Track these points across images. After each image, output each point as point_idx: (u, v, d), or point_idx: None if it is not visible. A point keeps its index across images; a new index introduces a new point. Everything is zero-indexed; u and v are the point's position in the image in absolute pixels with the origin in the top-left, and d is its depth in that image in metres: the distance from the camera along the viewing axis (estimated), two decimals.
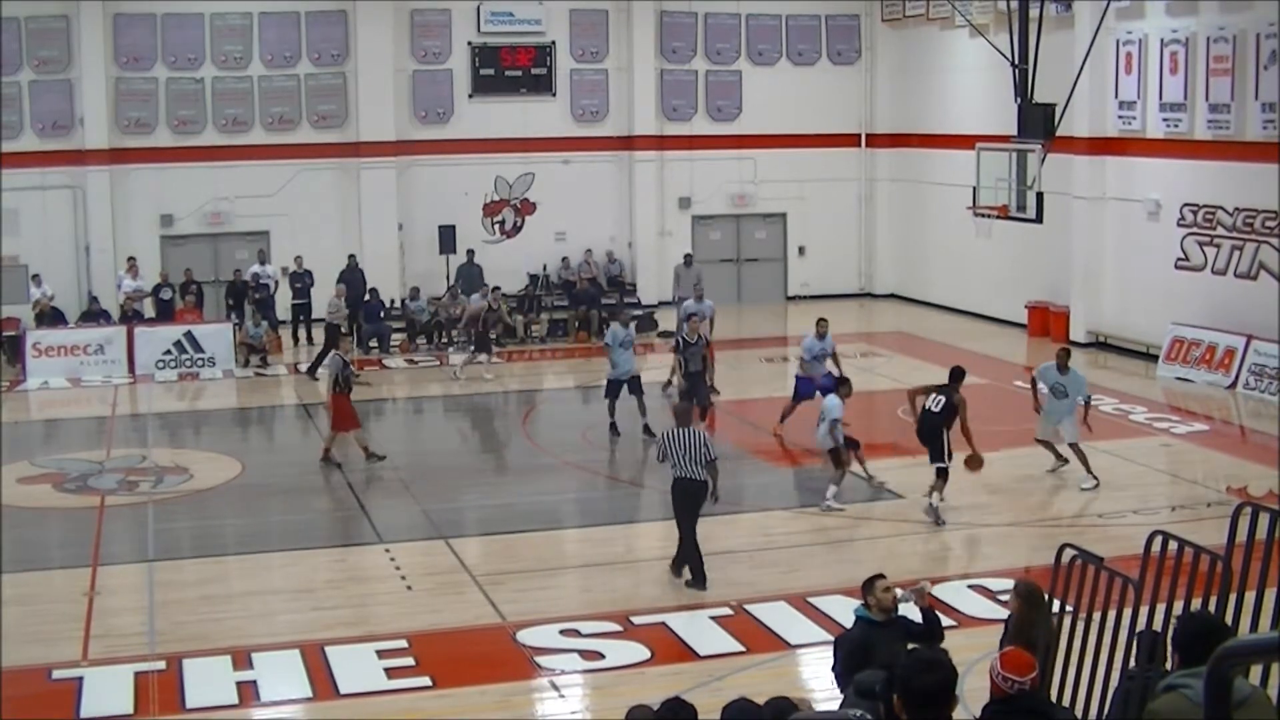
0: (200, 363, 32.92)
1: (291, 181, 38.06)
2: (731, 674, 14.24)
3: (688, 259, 36.66)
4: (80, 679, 14.45)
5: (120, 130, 37.52)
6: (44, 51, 37.21)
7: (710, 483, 17.25)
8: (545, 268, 39.15)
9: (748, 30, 41.43)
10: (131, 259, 36.02)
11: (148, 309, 35.60)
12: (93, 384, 31.73)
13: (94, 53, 37.22)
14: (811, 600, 16.45)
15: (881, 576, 11.48)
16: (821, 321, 25.29)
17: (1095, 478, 21.60)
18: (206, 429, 27.35)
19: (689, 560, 17.33)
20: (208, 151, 37.79)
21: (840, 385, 21.30)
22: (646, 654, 15.14)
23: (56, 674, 14.39)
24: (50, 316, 34.61)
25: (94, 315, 34.90)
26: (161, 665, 14.83)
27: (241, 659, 14.99)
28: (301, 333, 35.89)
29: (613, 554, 19.19)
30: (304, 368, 32.54)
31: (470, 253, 37.88)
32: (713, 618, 16.10)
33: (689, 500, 17.32)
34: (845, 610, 15.71)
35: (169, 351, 32.82)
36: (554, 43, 40.16)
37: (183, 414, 28.65)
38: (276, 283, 36.08)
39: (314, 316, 35.86)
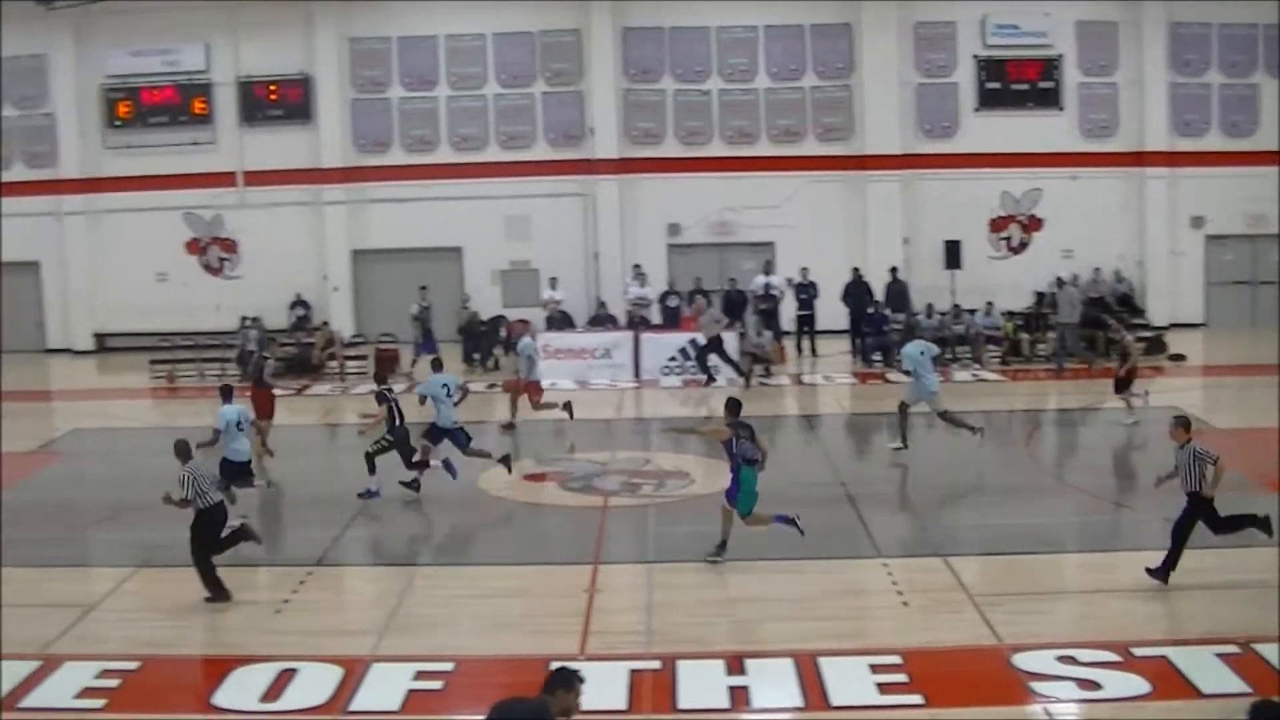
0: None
1: (797, 193, 38.20)
2: (1234, 715, 13.29)
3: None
4: None
5: (629, 141, 38.51)
6: (556, 64, 38.68)
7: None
8: (1060, 282, 37.79)
9: (1264, 40, 39.32)
10: (638, 266, 36.86)
11: (654, 316, 36.30)
12: (599, 387, 32.50)
13: (604, 65, 38.43)
14: None
15: None
16: None
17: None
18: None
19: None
20: (714, 162, 38.36)
21: None
22: (1146, 688, 14.28)
23: (554, 666, 14.52)
24: (559, 320, 35.75)
25: (601, 320, 35.84)
26: (656, 665, 14.88)
27: (735, 664, 14.89)
28: (805, 344, 36.00)
29: (1115, 581, 18.32)
30: (808, 378, 32.66)
31: (893, 270, 37.26)
32: (1218, 655, 15.09)
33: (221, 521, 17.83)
34: None
35: (674, 358, 33.36)
36: (1061, 55, 39.15)
37: (685, 419, 28.95)
38: (782, 293, 36.29)
39: (817, 328, 35.98)
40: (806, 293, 36.30)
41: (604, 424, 29.30)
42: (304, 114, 40.23)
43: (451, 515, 21.75)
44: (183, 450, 17.79)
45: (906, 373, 25.48)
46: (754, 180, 38.53)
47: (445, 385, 23.56)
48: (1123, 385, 27.52)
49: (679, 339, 33.89)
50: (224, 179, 40.55)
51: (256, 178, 40.42)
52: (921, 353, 25.03)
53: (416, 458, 22.63)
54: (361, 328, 39.67)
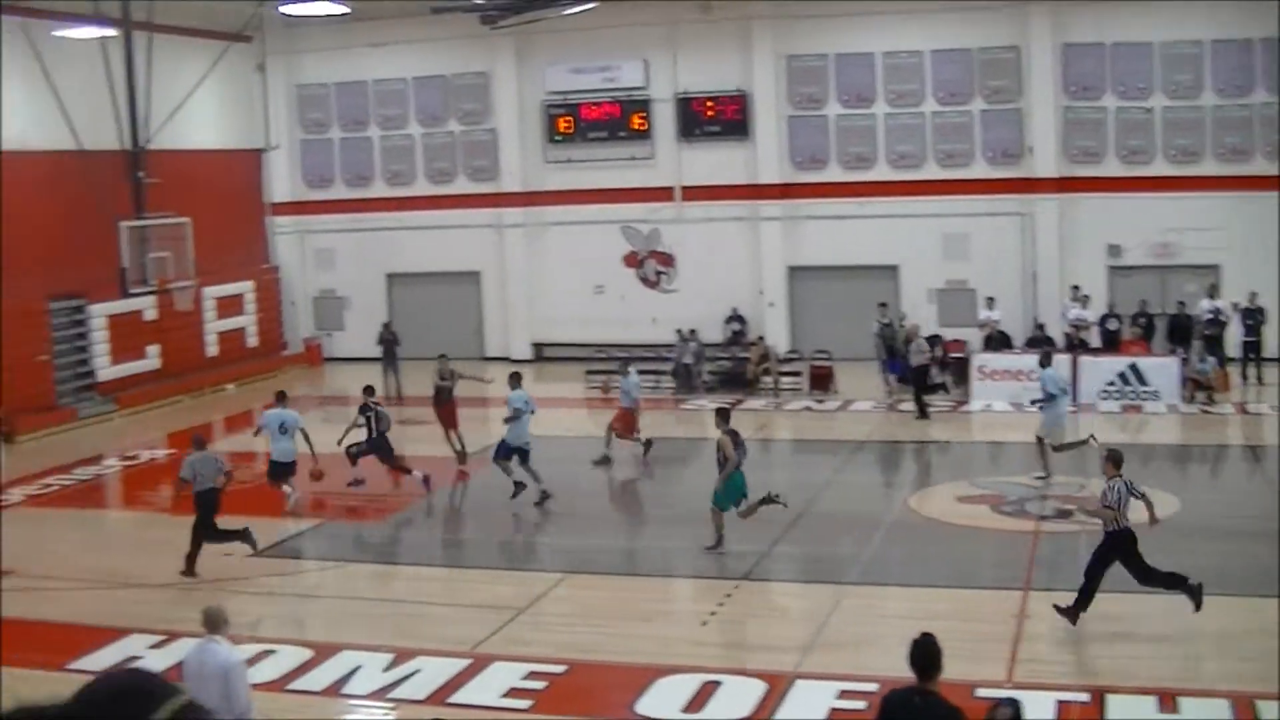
0: (1144, 395, 32.51)
1: (1243, 214, 36.81)
2: None
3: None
4: None
5: (1069, 159, 37.81)
6: (994, 82, 38.24)
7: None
8: None
9: None
10: (1076, 287, 36.16)
11: (1093, 338, 35.54)
12: (1034, 410, 31.92)
13: (1043, 82, 37.83)
14: None
15: None
16: None
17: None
18: (1146, 462, 26.85)
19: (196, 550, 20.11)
20: (1157, 182, 37.29)
21: None
22: None
23: (979, 692, 14.34)
24: (997, 340, 35.33)
25: (1039, 342, 35.20)
26: (1085, 697, 14.58)
27: (1168, 701, 14.44)
28: (1251, 371, 34.67)
29: None
30: (1253, 407, 31.51)
31: None
32: None
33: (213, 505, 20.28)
34: None
35: (1113, 382, 32.65)
36: None
37: (1124, 446, 28.17)
38: (1228, 318, 35.01)
39: (1264, 355, 34.59)
40: (1254, 318, 34.91)
41: (1039, 447, 28.75)
42: (741, 130, 40.73)
43: (881, 535, 21.74)
44: (197, 441, 20.72)
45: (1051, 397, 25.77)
46: (1198, 200, 37.21)
47: (527, 401, 24.46)
48: None
49: (1118, 363, 33.10)
50: (662, 194, 41.40)
51: (694, 193, 41.15)
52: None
53: (514, 476, 24.01)
54: (796, 344, 39.91)
